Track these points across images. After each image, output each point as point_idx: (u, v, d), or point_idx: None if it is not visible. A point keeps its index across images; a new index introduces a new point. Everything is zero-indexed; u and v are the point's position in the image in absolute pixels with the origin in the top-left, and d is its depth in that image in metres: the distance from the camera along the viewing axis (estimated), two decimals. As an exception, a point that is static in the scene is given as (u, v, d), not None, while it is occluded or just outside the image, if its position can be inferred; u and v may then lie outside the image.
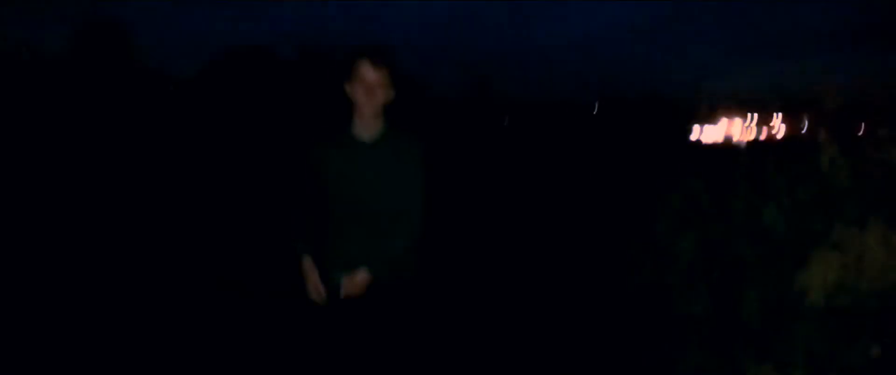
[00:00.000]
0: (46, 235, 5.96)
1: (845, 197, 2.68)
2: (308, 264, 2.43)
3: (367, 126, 2.37)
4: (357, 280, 2.35)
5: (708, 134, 48.01)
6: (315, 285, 2.42)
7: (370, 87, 2.28)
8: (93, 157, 10.68)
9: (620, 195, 9.45)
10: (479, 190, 10.28)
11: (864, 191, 2.62)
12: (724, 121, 54.36)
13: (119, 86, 23.62)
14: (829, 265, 2.37)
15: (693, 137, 42.33)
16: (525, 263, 6.38)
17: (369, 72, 2.28)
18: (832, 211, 2.70)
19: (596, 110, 43.12)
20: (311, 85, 25.54)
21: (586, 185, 11.72)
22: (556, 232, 7.97)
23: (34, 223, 6.30)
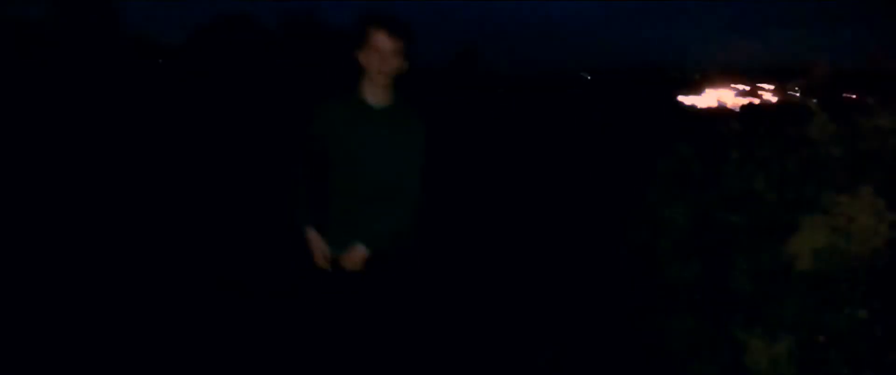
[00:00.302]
0: (31, 213, 5.92)
1: (835, 165, 2.69)
2: (312, 233, 2.44)
3: (376, 93, 2.38)
4: (355, 255, 2.37)
5: (702, 100, 48.10)
6: (321, 251, 2.44)
7: (385, 56, 2.29)
8: (79, 129, 10.57)
9: (613, 162, 9.51)
10: (470, 163, 10.27)
11: (853, 159, 2.63)
12: (717, 90, 54.47)
13: (105, 54, 23.33)
14: (818, 231, 2.39)
15: (687, 103, 42.39)
16: (518, 233, 6.41)
17: (386, 42, 2.28)
18: (822, 178, 2.72)
19: (587, 82, 43.11)
20: (296, 52, 25.33)
21: (578, 155, 11.75)
22: (548, 201, 8.01)
23: (18, 204, 6.23)
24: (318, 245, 2.45)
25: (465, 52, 35.48)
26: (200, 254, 5.00)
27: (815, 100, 3.28)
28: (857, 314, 2.29)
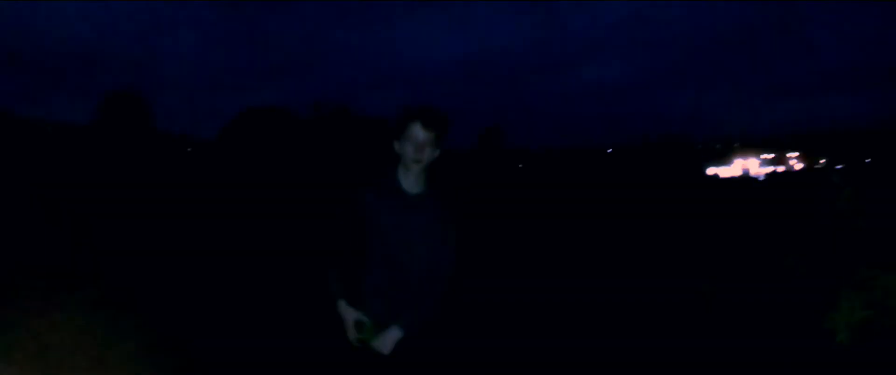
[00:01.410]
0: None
1: (865, 240, 2.75)
2: (344, 306, 2.51)
3: (410, 180, 2.50)
4: (389, 340, 2.45)
5: (725, 171, 47.93)
6: (351, 324, 2.49)
7: (420, 146, 2.42)
8: (117, 216, 10.90)
9: (636, 233, 9.43)
10: (498, 235, 10.31)
11: (882, 234, 2.69)
12: (740, 159, 54.28)
13: (142, 149, 24.17)
14: (854, 305, 2.43)
15: (710, 173, 42.27)
16: (545, 307, 6.38)
17: (420, 133, 2.41)
18: (853, 252, 2.77)
19: (610, 155, 43.25)
20: (326, 140, 25.99)
21: (603, 227, 11.71)
22: (575, 269, 7.96)
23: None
24: (348, 316, 2.51)
25: (489, 132, 36.12)
26: (235, 336, 5.07)
27: (838, 168, 3.35)
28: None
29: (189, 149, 31.92)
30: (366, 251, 2.55)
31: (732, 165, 52.28)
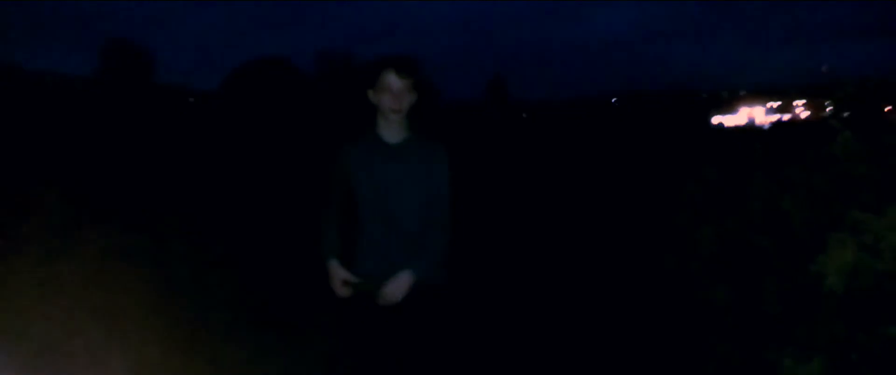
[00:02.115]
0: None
1: (861, 184, 2.70)
2: (333, 264, 2.54)
3: (391, 130, 2.50)
4: (400, 282, 2.43)
5: (730, 120, 47.58)
6: (339, 279, 2.53)
7: (397, 95, 2.42)
8: (117, 171, 10.92)
9: (642, 186, 9.46)
10: (501, 189, 10.34)
11: (879, 177, 2.64)
12: (745, 108, 53.86)
13: (143, 102, 24.12)
14: (845, 249, 2.40)
15: (715, 122, 41.96)
16: (550, 258, 6.43)
17: (396, 81, 2.41)
18: (849, 197, 2.73)
19: (615, 105, 43.02)
20: (330, 92, 25.83)
21: (607, 178, 11.73)
22: (580, 226, 8.01)
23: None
24: (336, 274, 2.54)
25: (494, 83, 35.82)
26: (238, 290, 5.11)
27: (844, 115, 3.29)
28: (889, 332, 2.28)
29: (191, 100, 31.77)
30: (357, 208, 2.55)
31: (738, 114, 51.88)
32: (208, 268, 5.83)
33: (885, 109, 3.28)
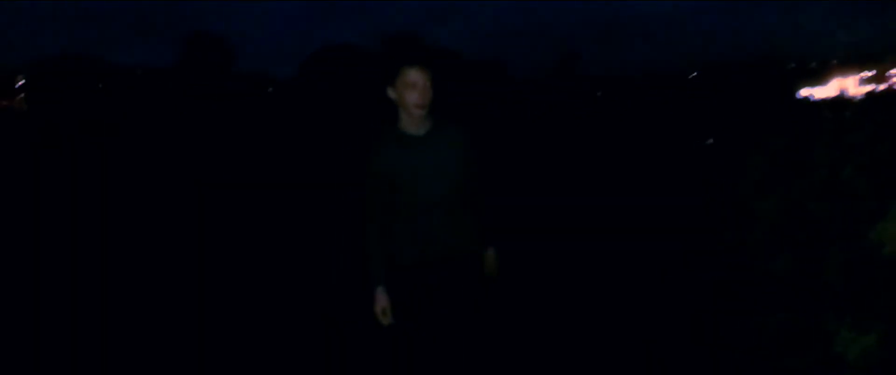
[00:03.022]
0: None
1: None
2: (380, 293, 2.56)
3: (416, 123, 2.50)
4: (493, 260, 2.67)
5: (820, 92, 45.14)
6: (383, 310, 2.55)
7: (423, 90, 2.41)
8: (199, 157, 11.48)
9: (719, 164, 9.19)
10: (576, 163, 10.26)
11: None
12: (837, 79, 50.93)
13: (223, 90, 25.11)
14: (905, 216, 2.32)
15: (803, 94, 39.89)
16: (615, 231, 6.37)
17: (419, 77, 2.39)
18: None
19: (694, 79, 41.57)
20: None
21: (685, 159, 11.44)
22: (647, 199, 7.88)
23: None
24: (381, 301, 2.55)
25: (566, 58, 35.28)
26: (304, 286, 5.33)
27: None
28: (950, 299, 2.20)
29: (270, 89, 32.79)
30: (393, 205, 2.58)
31: (828, 85, 49.12)
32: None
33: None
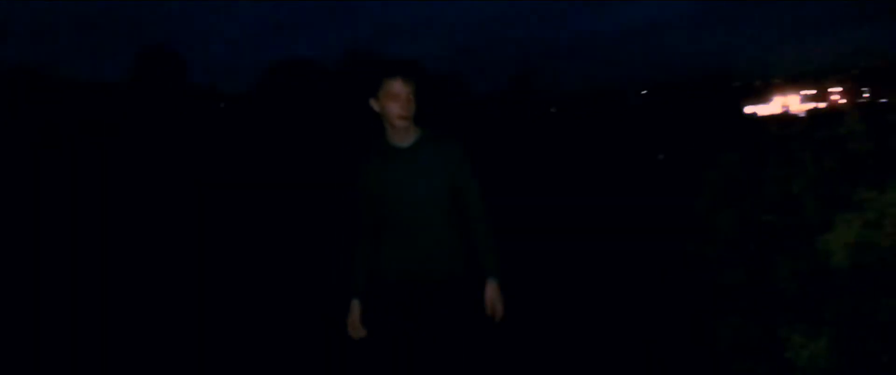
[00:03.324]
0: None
1: (866, 162, 2.76)
2: (355, 305, 2.53)
3: (400, 135, 2.46)
4: (495, 293, 2.44)
5: (764, 109, 46.73)
6: (354, 324, 2.52)
7: (406, 102, 2.37)
8: (150, 170, 11.29)
9: (672, 176, 9.49)
10: (526, 176, 10.43)
11: (882, 155, 2.70)
12: (780, 97, 52.83)
13: (176, 105, 24.68)
14: (850, 226, 2.47)
15: (748, 111, 41.23)
16: (574, 244, 6.51)
17: (402, 88, 2.36)
18: (855, 176, 2.79)
19: (644, 96, 42.59)
20: (357, 92, 26.07)
21: (638, 170, 11.74)
22: (606, 213, 8.07)
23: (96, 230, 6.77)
24: (354, 313, 2.52)
25: (518, 76, 35.72)
26: (263, 290, 5.31)
27: (847, 102, 3.35)
28: (892, 303, 2.35)
29: (222, 105, 32.26)
30: (374, 219, 2.53)
31: (771, 103, 50.91)
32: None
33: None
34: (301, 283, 5.36)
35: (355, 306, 2.53)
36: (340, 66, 28.96)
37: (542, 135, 19.11)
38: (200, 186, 10.73)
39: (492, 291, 2.46)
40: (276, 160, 13.65)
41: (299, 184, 10.98)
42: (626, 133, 20.10)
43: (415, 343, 2.54)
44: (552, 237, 6.94)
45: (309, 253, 6.29)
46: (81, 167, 11.70)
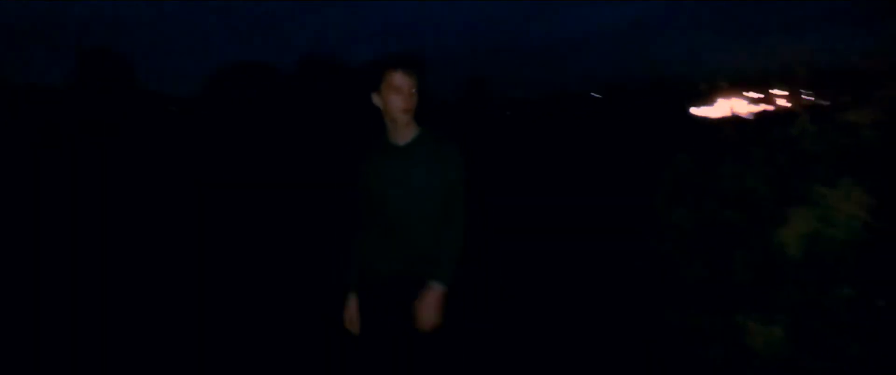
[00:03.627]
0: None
1: (816, 160, 2.94)
2: (352, 300, 2.53)
3: (399, 131, 2.45)
4: (431, 302, 2.33)
5: (712, 111, 47.90)
6: (351, 319, 2.52)
7: (408, 95, 2.36)
8: (98, 177, 11.05)
9: (625, 175, 9.76)
10: (484, 181, 10.57)
11: (831, 154, 2.88)
12: (727, 100, 54.23)
13: (122, 109, 24.05)
14: (804, 220, 2.63)
15: (696, 114, 42.26)
16: (540, 249, 6.66)
17: (404, 80, 2.35)
18: (806, 173, 2.96)
19: (596, 101, 43.33)
20: (313, 95, 25.85)
21: (593, 169, 12.01)
22: (568, 216, 8.25)
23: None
24: (351, 308, 2.52)
25: (473, 82, 35.99)
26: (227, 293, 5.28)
27: (797, 103, 3.53)
28: (843, 292, 2.51)
29: (173, 108, 31.58)
30: (369, 216, 2.54)
31: (717, 105, 52.25)
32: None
33: (839, 96, 3.52)
34: (255, 283, 5.35)
35: (352, 300, 2.54)
36: (295, 70, 28.69)
37: (498, 138, 19.32)
38: (159, 187, 10.57)
39: (428, 296, 2.36)
40: (233, 162, 13.49)
41: (256, 185, 10.91)
42: (579, 134, 20.50)
43: (401, 340, 2.51)
44: (508, 237, 7.08)
45: (277, 254, 6.27)
46: (23, 173, 11.36)
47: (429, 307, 2.36)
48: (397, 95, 2.37)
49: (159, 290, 5.24)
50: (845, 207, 2.61)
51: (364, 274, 2.55)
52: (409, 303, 2.45)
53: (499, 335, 4.26)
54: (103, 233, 7.34)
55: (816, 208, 2.70)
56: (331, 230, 5.61)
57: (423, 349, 2.49)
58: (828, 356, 2.46)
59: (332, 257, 2.72)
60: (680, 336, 3.34)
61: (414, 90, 2.39)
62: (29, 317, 4.45)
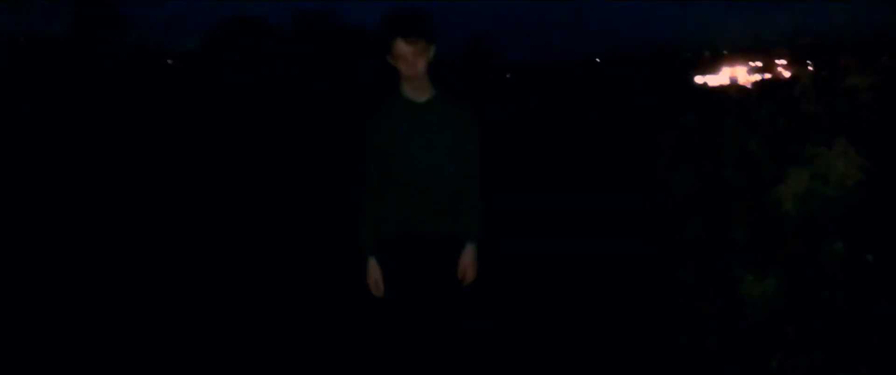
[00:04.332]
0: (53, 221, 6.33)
1: (815, 122, 3.06)
2: (372, 263, 2.57)
3: (416, 89, 2.51)
4: (470, 258, 2.51)
5: (714, 79, 47.80)
6: (376, 282, 2.56)
7: (410, 61, 2.39)
8: (97, 137, 10.97)
9: (628, 140, 9.84)
10: (493, 150, 10.65)
11: (830, 116, 3.00)
12: (729, 68, 54.02)
13: (118, 63, 23.84)
14: (799, 178, 2.75)
15: (699, 82, 42.21)
16: (544, 210, 6.78)
17: (406, 47, 2.38)
18: (804, 134, 3.09)
19: (599, 65, 43.12)
20: (310, 52, 25.69)
21: (596, 135, 12.09)
22: (572, 179, 8.37)
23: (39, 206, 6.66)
24: (373, 272, 2.55)
25: (475, 42, 35.72)
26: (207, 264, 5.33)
27: (798, 68, 3.63)
28: (834, 247, 2.65)
29: (170, 61, 31.20)
30: (384, 174, 2.57)
31: (720, 74, 52.08)
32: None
33: (841, 61, 3.62)
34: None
35: (373, 264, 2.58)
36: (291, 27, 28.43)
37: (499, 101, 19.32)
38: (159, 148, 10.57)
39: (467, 255, 2.55)
40: (233, 124, 13.47)
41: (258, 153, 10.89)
42: (583, 99, 20.52)
43: (412, 302, 2.57)
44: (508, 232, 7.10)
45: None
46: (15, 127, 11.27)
47: (468, 265, 2.54)
48: (402, 62, 2.42)
49: (158, 260, 5.28)
50: (840, 166, 2.73)
51: (386, 234, 2.57)
52: (419, 264, 2.53)
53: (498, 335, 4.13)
54: (103, 197, 7.34)
55: (811, 166, 2.82)
56: (332, 195, 5.64)
57: (423, 348, 2.55)
58: (818, 305, 2.61)
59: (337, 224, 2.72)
60: (678, 286, 3.51)
61: (420, 54, 2.41)
62: (27, 311, 4.35)
